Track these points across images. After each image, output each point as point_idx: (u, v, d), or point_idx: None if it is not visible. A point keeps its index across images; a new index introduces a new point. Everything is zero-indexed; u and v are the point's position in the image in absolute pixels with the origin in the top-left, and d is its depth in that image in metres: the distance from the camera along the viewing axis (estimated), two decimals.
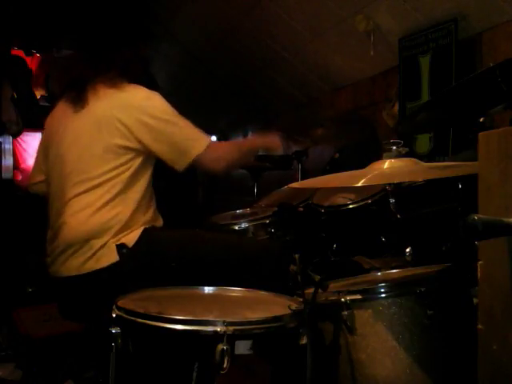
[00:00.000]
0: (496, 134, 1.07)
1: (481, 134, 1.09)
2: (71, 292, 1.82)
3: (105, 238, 1.75)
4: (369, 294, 1.38)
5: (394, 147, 1.55)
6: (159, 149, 1.84)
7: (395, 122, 3.09)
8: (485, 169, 1.08)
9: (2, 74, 4.83)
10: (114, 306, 1.34)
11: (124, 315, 1.30)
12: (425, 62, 2.84)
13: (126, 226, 1.78)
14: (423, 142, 2.87)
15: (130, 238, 1.77)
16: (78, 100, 1.85)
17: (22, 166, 5.38)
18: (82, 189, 1.79)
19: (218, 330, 1.20)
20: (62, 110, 1.92)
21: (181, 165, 1.86)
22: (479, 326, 1.10)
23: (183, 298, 1.52)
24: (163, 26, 5.08)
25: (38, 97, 5.30)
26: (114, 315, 1.31)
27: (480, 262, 1.10)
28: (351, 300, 1.35)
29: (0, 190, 4.77)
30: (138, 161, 1.83)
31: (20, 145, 5.40)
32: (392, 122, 3.13)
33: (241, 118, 5.30)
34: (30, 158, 5.33)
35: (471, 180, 1.16)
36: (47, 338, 2.50)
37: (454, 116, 1.78)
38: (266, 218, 2.26)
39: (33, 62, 5.38)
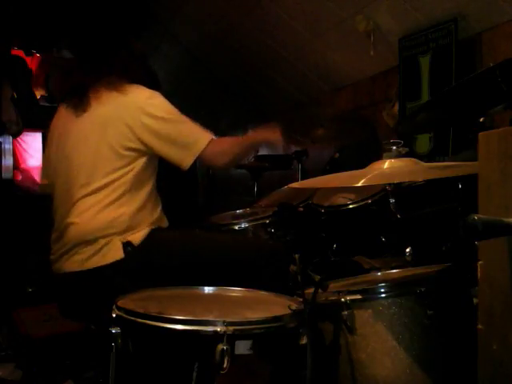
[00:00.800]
0: (496, 133, 1.07)
1: (481, 134, 1.09)
2: (73, 288, 1.83)
3: (111, 236, 1.77)
4: (369, 293, 1.38)
5: (394, 147, 1.55)
6: (164, 148, 1.85)
7: (395, 122, 3.09)
8: (485, 169, 1.08)
9: (2, 74, 4.82)
10: (114, 306, 1.34)
11: (124, 315, 1.30)
12: (425, 62, 2.84)
13: (132, 225, 1.80)
14: (423, 142, 2.87)
15: (137, 236, 1.79)
16: (81, 105, 1.87)
17: (22, 166, 5.36)
18: (88, 190, 1.80)
19: (218, 329, 1.20)
20: (64, 115, 1.94)
21: (187, 162, 1.87)
22: (479, 326, 1.10)
23: (183, 298, 1.53)
24: (163, 25, 5.09)
25: (38, 97, 5.28)
26: (114, 315, 1.32)
27: (480, 262, 1.10)
28: (351, 300, 1.35)
29: (0, 190, 4.76)
30: (142, 161, 1.84)
31: (20, 145, 5.38)
32: (392, 122, 3.14)
33: (241, 118, 5.29)
34: (30, 158, 5.32)
35: (471, 180, 1.16)
36: (47, 338, 2.51)
37: (453, 116, 1.78)
38: (266, 217, 2.26)
39: (33, 62, 5.37)
